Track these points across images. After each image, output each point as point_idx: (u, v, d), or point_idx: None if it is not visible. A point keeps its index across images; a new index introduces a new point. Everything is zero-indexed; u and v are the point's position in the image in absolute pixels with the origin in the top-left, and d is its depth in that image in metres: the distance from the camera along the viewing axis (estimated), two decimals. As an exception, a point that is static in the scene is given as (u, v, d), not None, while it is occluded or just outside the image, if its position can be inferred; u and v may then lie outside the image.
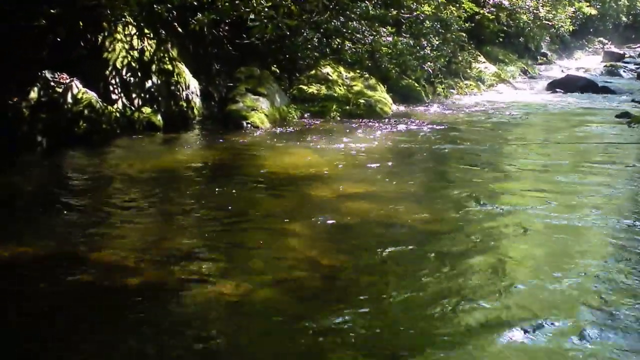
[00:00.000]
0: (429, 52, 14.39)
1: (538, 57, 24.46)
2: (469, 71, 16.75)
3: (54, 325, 3.75)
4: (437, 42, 14.91)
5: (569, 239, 5.18)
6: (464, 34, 16.69)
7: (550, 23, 22.38)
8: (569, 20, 23.59)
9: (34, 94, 8.16)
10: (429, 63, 14.26)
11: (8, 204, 6.05)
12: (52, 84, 8.36)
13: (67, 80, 8.49)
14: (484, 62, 18.45)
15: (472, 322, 3.77)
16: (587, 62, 25.92)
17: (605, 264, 4.66)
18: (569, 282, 4.31)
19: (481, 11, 17.82)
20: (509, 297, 4.11)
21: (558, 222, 5.48)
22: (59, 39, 8.91)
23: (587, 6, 24.45)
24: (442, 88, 14.70)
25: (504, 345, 3.52)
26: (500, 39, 20.49)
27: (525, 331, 3.62)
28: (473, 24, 17.52)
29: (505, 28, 20.07)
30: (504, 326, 3.71)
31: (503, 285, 4.28)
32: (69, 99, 8.33)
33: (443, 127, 10.59)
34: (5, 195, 6.29)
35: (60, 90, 8.35)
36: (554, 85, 17.44)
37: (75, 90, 8.42)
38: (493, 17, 18.59)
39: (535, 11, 21.14)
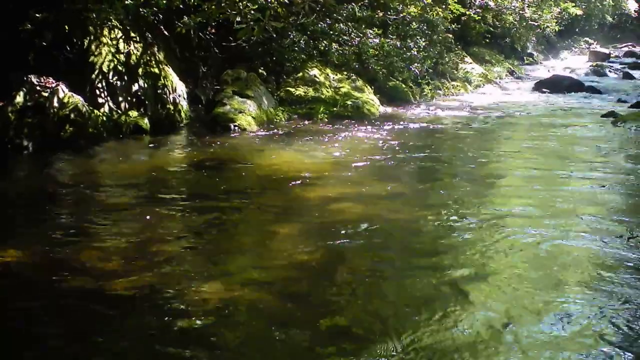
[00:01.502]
0: (415, 53, 14.43)
1: (524, 58, 24.57)
2: (455, 72, 16.80)
3: (37, 331, 3.73)
4: (424, 44, 14.96)
5: (553, 249, 5.18)
6: (451, 35, 16.77)
7: (536, 23, 22.48)
8: (555, 20, 23.69)
9: (19, 98, 8.13)
10: (415, 64, 14.29)
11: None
12: (38, 88, 8.33)
13: (53, 85, 8.46)
14: (470, 63, 18.52)
15: (461, 324, 3.78)
16: (573, 62, 26.05)
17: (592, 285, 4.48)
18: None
19: (467, 12, 17.89)
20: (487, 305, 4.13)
21: (541, 230, 5.49)
22: (44, 43, 8.88)
23: (573, 6, 24.56)
24: (429, 89, 14.74)
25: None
26: (487, 40, 20.58)
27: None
28: (459, 25, 17.60)
29: (491, 29, 20.14)
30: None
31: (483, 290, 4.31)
32: (55, 103, 8.30)
33: (430, 128, 10.64)
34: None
35: (46, 94, 8.32)
36: (541, 86, 17.52)
37: (61, 94, 8.39)
38: (479, 18, 18.66)
39: (521, 12, 21.23)
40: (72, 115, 8.37)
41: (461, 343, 3.56)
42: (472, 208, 6.00)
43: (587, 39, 31.25)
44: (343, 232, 5.34)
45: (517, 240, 5.11)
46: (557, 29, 24.99)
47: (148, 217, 5.72)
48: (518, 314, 3.89)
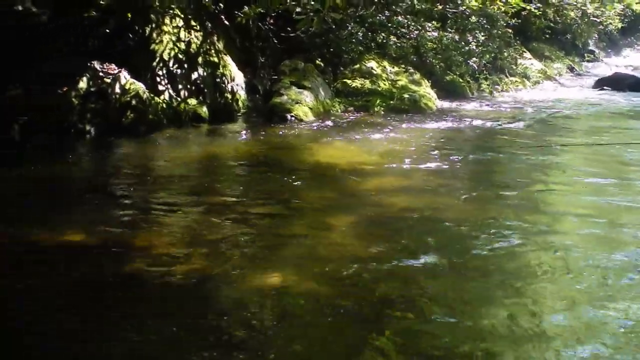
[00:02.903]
0: (474, 47, 14.27)
1: (585, 55, 24.04)
2: (514, 67, 16.53)
3: (98, 311, 3.83)
4: (483, 38, 14.78)
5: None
6: (510, 30, 16.50)
7: (598, 20, 21.97)
8: (618, 17, 23.15)
9: (82, 84, 8.30)
10: (474, 59, 14.14)
11: (58, 191, 6.19)
12: (101, 74, 8.50)
13: (116, 71, 8.62)
14: (529, 58, 18.21)
15: (519, 324, 3.74)
16: (636, 60, 25.38)
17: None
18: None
19: (528, 7, 17.57)
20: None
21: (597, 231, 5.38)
22: (108, 30, 9.05)
23: (637, 3, 23.95)
24: (487, 84, 14.55)
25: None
26: (547, 36, 20.20)
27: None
28: (519, 20, 17.31)
29: (552, 24, 19.77)
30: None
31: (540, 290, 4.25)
32: (117, 89, 8.46)
33: (487, 123, 10.50)
34: (55, 183, 6.44)
35: (108, 80, 8.49)
36: (602, 83, 17.12)
37: (123, 81, 8.55)
38: (540, 13, 18.31)
39: (583, 7, 20.79)
40: (133, 102, 8.51)
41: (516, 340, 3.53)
42: (528, 210, 5.87)
43: (651, 36, 30.45)
44: (396, 224, 5.33)
45: (568, 250, 5.03)
46: (619, 26, 24.40)
47: (206, 203, 5.80)
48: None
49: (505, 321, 3.70)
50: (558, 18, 20.41)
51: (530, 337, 3.54)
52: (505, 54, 16.10)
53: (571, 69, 20.40)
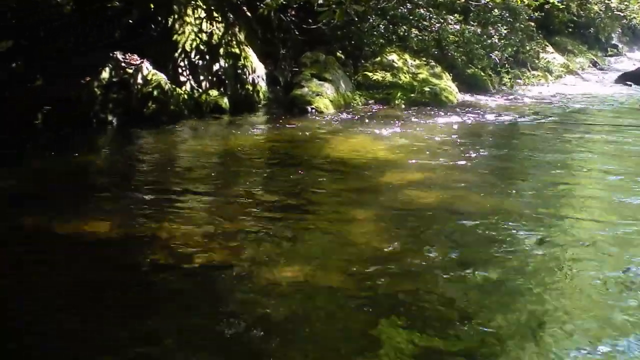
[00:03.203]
0: (496, 40, 14.19)
1: (608, 49, 23.82)
2: (536, 61, 16.43)
3: (121, 298, 3.87)
4: (505, 31, 14.68)
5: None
6: (533, 24, 16.38)
7: (622, 14, 21.78)
8: (642, 11, 22.92)
9: (105, 74, 8.36)
10: (496, 52, 14.05)
11: (82, 180, 6.25)
12: (123, 64, 8.55)
13: (138, 62, 8.67)
14: (552, 52, 18.08)
15: (543, 315, 3.73)
16: (659, 54, 25.16)
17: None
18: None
19: (551, 0, 17.46)
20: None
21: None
22: (130, 21, 9.09)
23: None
24: (509, 78, 14.46)
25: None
26: (570, 30, 20.05)
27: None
28: (542, 14, 17.19)
29: (575, 18, 19.63)
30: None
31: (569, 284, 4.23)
32: (139, 80, 8.51)
33: (509, 117, 10.44)
34: (79, 172, 6.50)
35: (130, 71, 8.54)
36: (625, 78, 16.96)
37: (145, 71, 8.60)
38: (563, 6, 18.19)
39: (606, 1, 20.61)
40: (155, 93, 8.56)
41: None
42: (546, 205, 5.84)
43: (675, 31, 30.12)
44: (418, 218, 5.32)
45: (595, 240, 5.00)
46: (643, 20, 24.17)
47: (226, 194, 5.82)
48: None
49: (529, 323, 3.67)
50: (581, 12, 20.27)
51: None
52: (528, 47, 15.99)
53: (594, 64, 20.22)
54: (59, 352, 3.33)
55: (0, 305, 3.80)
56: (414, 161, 7.26)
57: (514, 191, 6.27)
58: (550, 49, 18.21)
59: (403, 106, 11.00)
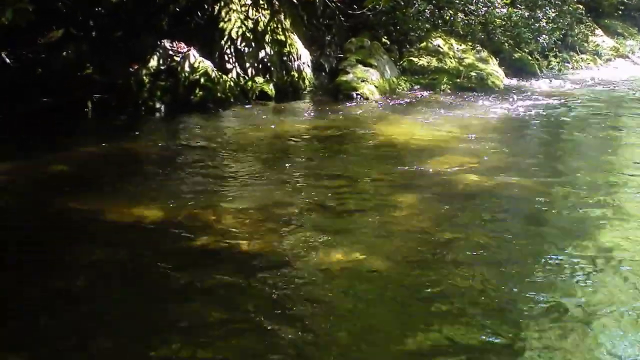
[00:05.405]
0: (544, 24, 13.94)
1: (660, 31, 23.26)
2: (585, 45, 16.12)
3: (169, 284, 3.95)
4: (553, 14, 14.42)
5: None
6: (582, 6, 16.06)
7: (675, -6, 21.23)
8: (696, -8, 22.30)
9: (153, 62, 8.48)
10: (543, 36, 13.82)
11: (131, 166, 6.38)
12: (171, 52, 8.67)
13: (185, 49, 8.77)
14: (601, 35, 17.71)
15: (589, 302, 3.71)
16: None
17: None
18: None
19: (601, -18, 17.12)
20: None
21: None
22: (178, 9, 9.19)
23: None
24: (557, 62, 14.24)
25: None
26: (620, 12, 19.61)
27: None
28: (591, -4, 16.87)
29: (625, 0, 19.19)
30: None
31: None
32: (187, 67, 8.61)
33: (557, 102, 10.28)
34: (129, 158, 6.64)
35: (178, 58, 8.65)
36: (678, 61, 16.58)
37: (192, 59, 8.69)
38: (613, -12, 17.81)
39: (659, -18, 20.10)
40: (202, 80, 8.65)
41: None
42: (593, 191, 5.74)
43: None
44: (462, 203, 5.31)
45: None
46: (698, 1, 23.52)
47: (271, 181, 5.87)
48: None
49: (578, 308, 3.65)
50: (632, -7, 19.77)
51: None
52: (576, 30, 15.69)
53: (645, 47, 19.74)
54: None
55: (59, 278, 3.95)
56: (459, 146, 7.22)
57: (563, 176, 6.20)
58: (599, 31, 17.83)
59: (449, 91, 10.92)
